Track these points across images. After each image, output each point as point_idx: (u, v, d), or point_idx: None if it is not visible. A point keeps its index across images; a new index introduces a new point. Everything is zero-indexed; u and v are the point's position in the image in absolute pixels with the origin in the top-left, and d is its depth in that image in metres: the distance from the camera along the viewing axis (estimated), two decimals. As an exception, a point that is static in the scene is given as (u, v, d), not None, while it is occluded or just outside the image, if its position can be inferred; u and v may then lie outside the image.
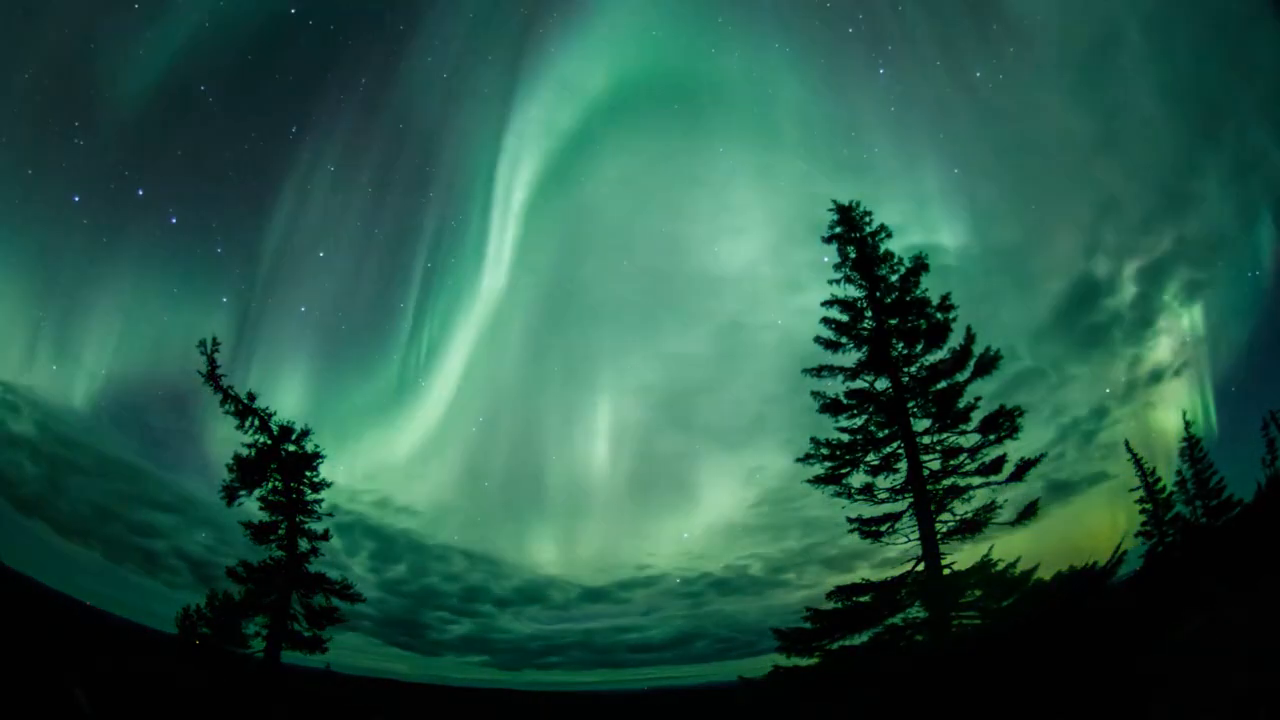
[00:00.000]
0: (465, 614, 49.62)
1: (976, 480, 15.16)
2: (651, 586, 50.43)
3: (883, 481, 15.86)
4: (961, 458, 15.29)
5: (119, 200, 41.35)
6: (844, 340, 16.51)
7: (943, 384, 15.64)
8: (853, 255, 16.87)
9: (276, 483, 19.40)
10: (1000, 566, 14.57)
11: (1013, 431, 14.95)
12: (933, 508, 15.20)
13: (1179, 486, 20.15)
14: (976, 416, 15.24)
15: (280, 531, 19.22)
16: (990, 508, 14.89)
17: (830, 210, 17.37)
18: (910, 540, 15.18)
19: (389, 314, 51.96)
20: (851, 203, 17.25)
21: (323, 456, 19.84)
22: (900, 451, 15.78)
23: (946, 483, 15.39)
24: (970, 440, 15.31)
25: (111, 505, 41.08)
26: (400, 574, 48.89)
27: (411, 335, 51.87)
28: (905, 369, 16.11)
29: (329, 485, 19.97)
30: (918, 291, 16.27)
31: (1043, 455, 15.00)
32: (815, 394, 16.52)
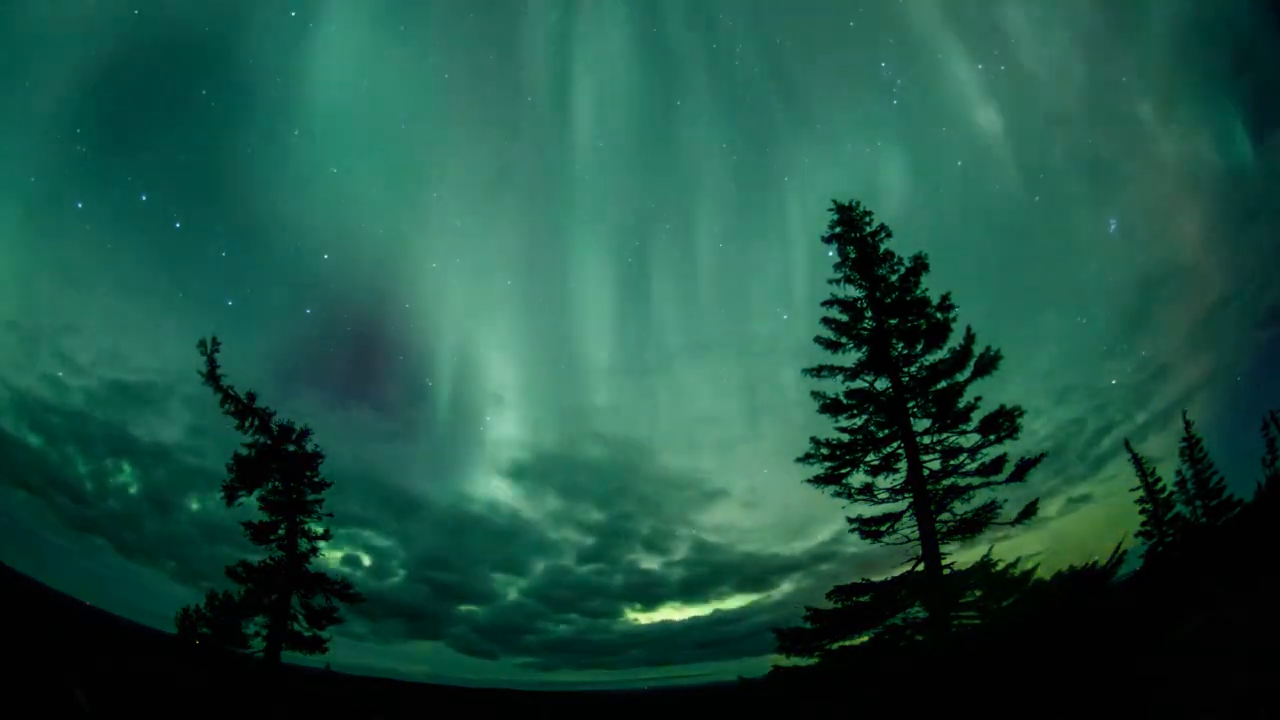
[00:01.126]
0: (596, 615, 48.73)
1: (977, 480, 15.15)
2: (806, 567, 50.85)
3: (883, 481, 15.87)
4: (961, 458, 15.28)
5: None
6: (844, 340, 16.49)
7: (943, 384, 15.63)
8: (853, 255, 16.84)
9: (276, 483, 19.40)
10: (1000, 566, 14.56)
11: (1012, 432, 14.91)
12: (933, 508, 15.19)
13: (1179, 486, 20.17)
14: (976, 416, 15.22)
15: (280, 532, 19.22)
16: (990, 507, 14.86)
17: (831, 210, 17.37)
18: (911, 540, 15.19)
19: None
20: (851, 202, 17.24)
21: (323, 456, 19.86)
22: (900, 451, 15.77)
23: (946, 483, 15.38)
24: (970, 440, 15.30)
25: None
26: (582, 575, 48.55)
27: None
28: (905, 369, 16.09)
29: (330, 485, 19.99)
30: (918, 291, 16.23)
31: (1043, 455, 14.97)
32: (815, 394, 16.51)
